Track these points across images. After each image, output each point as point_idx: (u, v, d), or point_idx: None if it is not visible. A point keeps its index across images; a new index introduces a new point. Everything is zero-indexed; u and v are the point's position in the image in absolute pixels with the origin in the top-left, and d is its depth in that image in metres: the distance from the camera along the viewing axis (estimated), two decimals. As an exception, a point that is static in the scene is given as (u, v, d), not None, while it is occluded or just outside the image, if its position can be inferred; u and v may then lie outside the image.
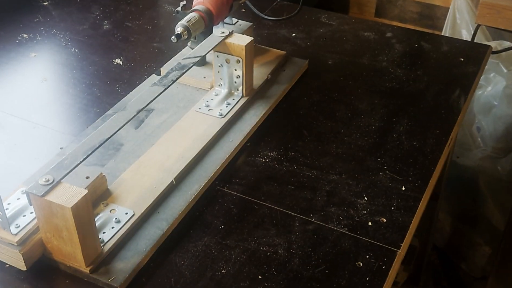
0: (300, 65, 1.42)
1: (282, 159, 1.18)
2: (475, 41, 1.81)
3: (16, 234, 0.92)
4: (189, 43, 1.39)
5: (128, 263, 0.95)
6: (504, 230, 1.95)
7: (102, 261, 0.94)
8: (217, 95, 1.29)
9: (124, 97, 1.31)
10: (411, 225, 1.04)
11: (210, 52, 1.23)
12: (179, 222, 1.04)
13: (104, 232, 0.97)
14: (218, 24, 1.35)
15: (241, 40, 1.23)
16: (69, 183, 0.88)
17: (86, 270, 0.92)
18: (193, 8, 1.29)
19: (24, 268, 0.94)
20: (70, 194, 0.87)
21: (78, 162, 0.91)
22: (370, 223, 1.04)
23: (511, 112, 1.90)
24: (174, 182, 1.08)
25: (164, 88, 1.08)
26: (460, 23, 2.09)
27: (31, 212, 0.95)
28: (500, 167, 1.97)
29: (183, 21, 1.25)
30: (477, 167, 1.99)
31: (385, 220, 1.05)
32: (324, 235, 1.02)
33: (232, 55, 1.24)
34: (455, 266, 2.18)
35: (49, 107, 1.32)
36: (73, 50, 1.51)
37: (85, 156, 0.92)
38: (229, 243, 1.00)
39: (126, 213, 1.01)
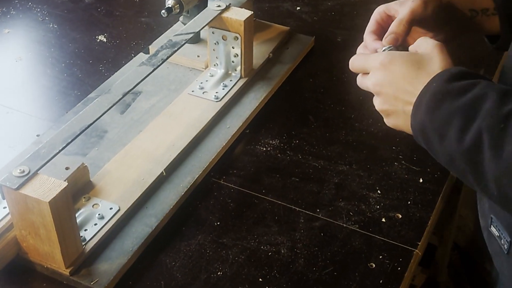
0: (306, 43, 1.42)
1: (285, 148, 1.18)
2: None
3: (-13, 232, 0.92)
4: (181, 18, 1.39)
5: (112, 264, 0.94)
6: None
7: (83, 262, 0.94)
8: (212, 76, 1.29)
9: (109, 78, 1.31)
10: (429, 222, 1.04)
11: (205, 28, 1.22)
12: (170, 218, 1.04)
13: (86, 230, 0.97)
14: (213, -4, 1.35)
15: (240, 15, 1.23)
16: (46, 175, 0.88)
17: (66, 272, 0.92)
18: (185, -22, 1.29)
19: (-4, 270, 0.94)
20: (48, 187, 0.86)
21: (57, 151, 0.91)
22: (383, 220, 1.04)
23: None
24: (164, 173, 1.08)
25: (153, 68, 1.08)
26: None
27: (4, 207, 0.94)
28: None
29: (174, -7, 1.25)
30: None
31: (400, 216, 1.05)
32: (332, 232, 1.02)
33: (229, 31, 1.23)
34: (479, 267, 2.18)
35: (24, 90, 1.31)
36: (51, 25, 1.50)
37: (64, 145, 0.92)
38: (225, 242, 1.00)
39: (111, 208, 1.01)
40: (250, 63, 1.29)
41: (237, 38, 1.23)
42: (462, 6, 0.88)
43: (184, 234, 1.02)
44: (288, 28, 1.43)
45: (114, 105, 1.00)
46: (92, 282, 0.92)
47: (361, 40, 0.94)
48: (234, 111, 1.23)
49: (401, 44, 0.84)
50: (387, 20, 0.88)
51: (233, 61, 1.27)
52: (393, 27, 0.84)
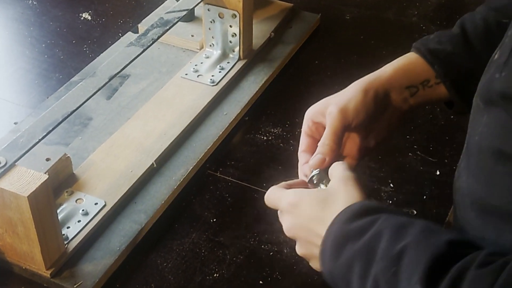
0: (311, 21, 1.42)
1: (288, 137, 1.18)
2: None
3: (-40, 230, 0.92)
4: (173, -6, 1.39)
5: (98, 265, 0.94)
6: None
7: (66, 262, 0.94)
8: (208, 57, 1.28)
9: (94, 60, 1.31)
10: (447, 219, 1.04)
11: (200, 4, 1.22)
12: (161, 214, 1.04)
13: (68, 227, 0.97)
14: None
15: (238, -10, 1.23)
16: (25, 167, 0.88)
17: (46, 273, 0.92)
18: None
19: (-30, 271, 0.94)
20: (27, 180, 0.86)
21: (37, 140, 0.91)
22: (396, 216, 1.04)
23: None
24: (155, 165, 1.08)
25: (142, 49, 1.08)
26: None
27: (-21, 203, 0.94)
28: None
29: (166, -34, 1.25)
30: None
31: (415, 212, 1.05)
32: (340, 230, 1.02)
33: (226, 8, 1.23)
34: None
35: (0, 73, 1.31)
36: (30, 2, 1.50)
37: (45, 133, 0.92)
38: (222, 241, 1.00)
39: (96, 204, 1.01)
40: (249, 44, 1.29)
41: (235, 16, 1.23)
42: (396, 88, 0.89)
43: (177, 232, 1.02)
44: (292, 4, 1.43)
45: (99, 89, 1.00)
46: (75, 284, 0.92)
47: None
48: (231, 96, 1.23)
49: (334, 158, 0.83)
50: (317, 129, 0.89)
51: (230, 41, 1.27)
52: (319, 146, 0.85)
